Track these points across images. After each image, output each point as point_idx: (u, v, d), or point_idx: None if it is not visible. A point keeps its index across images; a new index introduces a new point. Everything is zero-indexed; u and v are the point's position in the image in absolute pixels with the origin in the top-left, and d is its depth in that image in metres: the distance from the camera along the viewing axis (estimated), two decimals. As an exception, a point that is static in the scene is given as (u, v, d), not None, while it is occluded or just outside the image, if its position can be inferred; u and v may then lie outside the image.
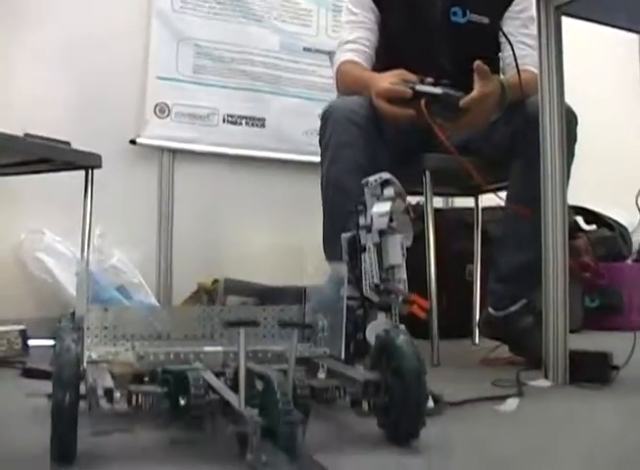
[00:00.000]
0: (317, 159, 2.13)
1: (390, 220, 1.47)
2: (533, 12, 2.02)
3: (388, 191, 1.50)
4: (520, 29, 2.24)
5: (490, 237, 2.74)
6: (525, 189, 2.01)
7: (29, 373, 1.82)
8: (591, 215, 3.59)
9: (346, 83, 2.25)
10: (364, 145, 2.01)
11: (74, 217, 2.50)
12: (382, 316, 1.44)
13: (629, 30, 1.97)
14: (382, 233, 1.47)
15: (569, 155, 2.00)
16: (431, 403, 1.30)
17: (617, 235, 3.48)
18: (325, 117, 2.07)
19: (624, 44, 3.97)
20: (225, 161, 3.14)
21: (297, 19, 3.30)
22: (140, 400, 1.07)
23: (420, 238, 2.44)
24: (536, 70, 1.96)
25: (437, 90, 1.97)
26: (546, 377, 1.80)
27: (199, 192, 3.06)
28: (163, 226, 2.99)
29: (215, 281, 2.67)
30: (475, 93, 1.95)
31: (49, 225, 2.69)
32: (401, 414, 1.12)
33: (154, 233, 2.97)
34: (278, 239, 2.90)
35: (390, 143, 2.06)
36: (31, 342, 2.23)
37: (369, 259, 1.47)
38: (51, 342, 1.12)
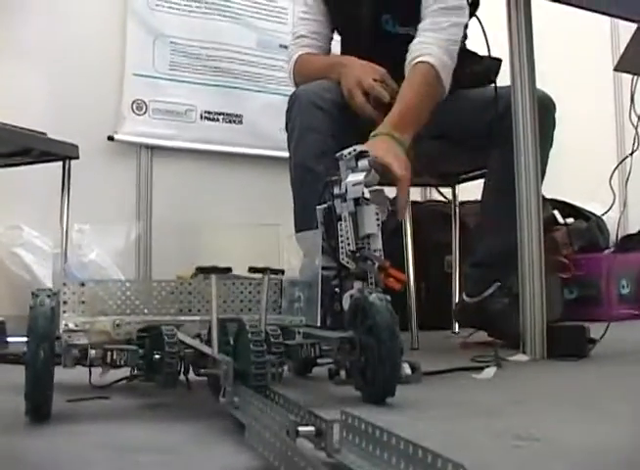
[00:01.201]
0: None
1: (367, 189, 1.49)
2: (446, 2, 2.02)
3: (363, 163, 1.52)
4: (427, 20, 2.05)
5: (469, 229, 2.77)
6: (503, 177, 2.02)
7: (4, 358, 1.82)
8: (568, 208, 3.61)
9: (309, 70, 2.21)
10: (330, 129, 1.99)
11: (52, 214, 2.50)
12: (358, 285, 1.44)
13: (595, 11, 1.98)
14: (357, 203, 1.48)
15: (547, 140, 2.02)
16: (408, 371, 1.31)
17: (593, 227, 3.51)
18: (291, 102, 2.07)
19: (598, 36, 4.02)
20: (203, 157, 3.15)
21: (274, 16, 3.32)
22: (115, 357, 1.07)
23: (398, 230, 2.47)
24: (430, 56, 1.93)
25: None
26: (524, 352, 1.81)
27: (177, 188, 3.06)
28: (142, 222, 2.99)
29: (194, 274, 2.66)
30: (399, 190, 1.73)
31: (27, 221, 2.69)
32: (376, 371, 1.13)
33: (132, 229, 2.97)
34: (255, 232, 2.90)
35: (358, 126, 2.02)
36: (10, 339, 2.21)
37: (345, 228, 1.48)
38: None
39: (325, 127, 1.99)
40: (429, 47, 1.96)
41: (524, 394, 1.34)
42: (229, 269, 1.11)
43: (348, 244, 1.47)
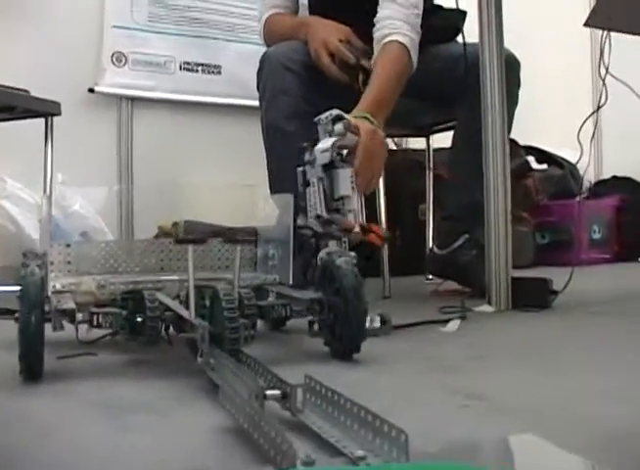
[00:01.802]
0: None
1: (339, 154, 1.57)
2: None
3: (338, 127, 1.59)
4: None
5: (442, 178, 2.84)
6: (470, 131, 2.08)
7: (-5, 312, 1.90)
8: (542, 155, 3.70)
9: (277, 32, 2.25)
10: (300, 90, 2.05)
11: (36, 166, 2.56)
12: (333, 244, 1.52)
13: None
14: (330, 166, 1.57)
15: (512, 99, 2.08)
16: (377, 324, 1.40)
17: (566, 173, 3.59)
18: (262, 63, 2.12)
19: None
20: (183, 107, 3.20)
21: (252, -34, 3.33)
22: (100, 320, 1.15)
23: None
24: (400, 35, 1.98)
25: None
26: (489, 303, 1.90)
27: (157, 138, 3.12)
28: (124, 172, 3.05)
29: (175, 224, 2.74)
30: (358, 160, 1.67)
31: (10, 174, 2.73)
32: (343, 329, 1.22)
33: (114, 179, 3.03)
34: (233, 191, 2.95)
35: (328, 86, 2.07)
36: (-2, 287, 2.28)
37: (313, 193, 1.56)
38: (15, 288, 1.16)
39: (295, 89, 2.05)
40: (396, 23, 2.00)
41: (484, 348, 1.42)
42: (204, 240, 1.18)
43: (316, 208, 1.55)
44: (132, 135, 3.09)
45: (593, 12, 2.36)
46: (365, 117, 1.76)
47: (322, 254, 1.38)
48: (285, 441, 0.65)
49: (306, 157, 1.60)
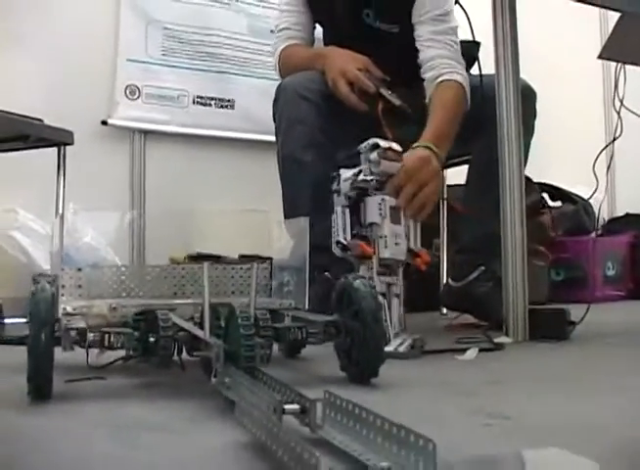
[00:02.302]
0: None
1: (372, 181, 1.65)
2: (441, 8, 2.08)
3: (373, 155, 1.64)
4: (428, 28, 2.11)
5: (457, 213, 2.81)
6: (486, 163, 2.06)
7: (4, 340, 1.88)
8: (556, 192, 3.68)
9: (293, 63, 2.25)
10: (316, 120, 2.04)
11: (47, 197, 2.55)
12: (363, 269, 1.62)
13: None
14: (365, 194, 1.66)
15: (528, 131, 2.06)
16: (402, 348, 1.48)
17: (580, 209, 3.57)
18: (277, 93, 2.11)
19: (587, 22, 4.06)
20: (195, 141, 3.20)
21: (264, 2, 3.35)
22: (112, 340, 1.13)
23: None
24: (455, 74, 2.01)
25: (397, 101, 2.00)
26: (507, 335, 1.86)
27: (170, 172, 3.11)
28: (136, 205, 3.04)
29: (187, 257, 2.72)
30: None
31: (22, 205, 2.73)
32: (361, 353, 1.19)
33: (126, 211, 3.02)
34: (246, 218, 2.95)
35: (345, 116, 2.07)
36: (7, 320, 2.26)
37: (335, 220, 1.64)
38: (24, 320, 1.15)
39: (311, 118, 2.03)
40: (450, 62, 2.04)
41: (503, 374, 1.40)
42: (220, 257, 1.16)
43: (338, 234, 1.63)
44: (145, 168, 3.09)
45: (607, 44, 2.36)
46: (427, 147, 1.80)
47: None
48: (306, 450, 0.62)
49: (334, 186, 1.67)
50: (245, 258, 1.28)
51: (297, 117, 2.04)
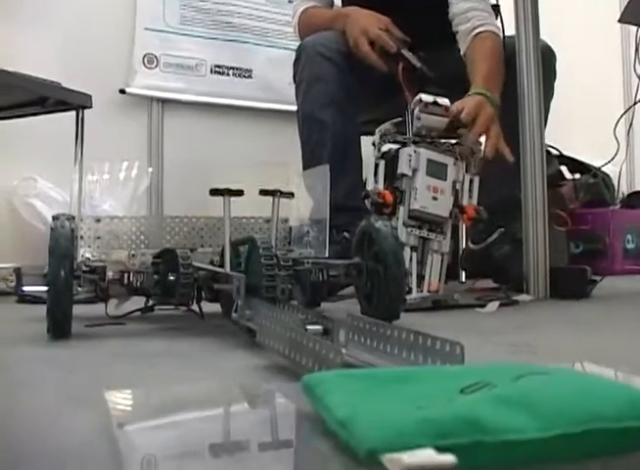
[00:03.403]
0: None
1: (404, 133, 1.67)
2: None
3: (416, 110, 1.67)
4: None
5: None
6: (505, 124, 2.04)
7: (25, 299, 1.89)
8: (575, 164, 3.64)
9: (314, 23, 2.23)
10: (336, 78, 2.02)
11: (66, 166, 2.54)
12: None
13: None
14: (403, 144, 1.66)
15: (548, 90, 2.05)
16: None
17: (600, 182, 3.53)
18: (298, 53, 2.10)
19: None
20: (213, 110, 3.17)
21: (283, -29, 3.32)
22: (131, 279, 1.12)
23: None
24: (491, 26, 2.00)
25: (417, 63, 1.97)
26: (527, 293, 1.85)
27: (187, 140, 3.09)
28: (154, 173, 3.03)
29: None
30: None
31: (41, 173, 2.72)
32: (381, 295, 1.17)
33: (144, 179, 3.01)
34: (266, 171, 2.91)
35: (364, 76, 2.05)
36: (26, 288, 2.26)
37: (368, 173, 1.65)
38: (43, 288, 1.12)
39: (332, 77, 2.02)
40: (484, 14, 2.02)
41: (526, 321, 1.39)
42: (241, 192, 1.15)
43: (368, 186, 1.63)
44: (162, 137, 3.07)
45: (626, 9, 2.33)
46: (479, 93, 1.81)
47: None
48: (327, 346, 0.61)
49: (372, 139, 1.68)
50: (265, 193, 1.26)
51: (317, 75, 2.03)
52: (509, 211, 2.02)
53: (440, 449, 0.38)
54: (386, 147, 1.68)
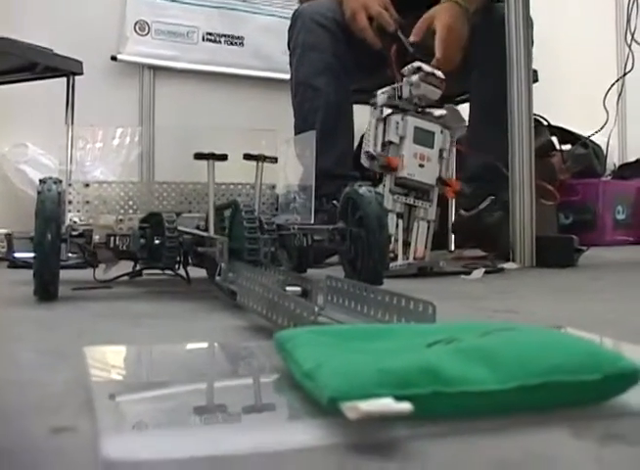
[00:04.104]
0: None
1: (398, 98, 1.65)
2: None
3: (414, 77, 1.64)
4: None
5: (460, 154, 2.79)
6: (488, 93, 2.06)
7: (15, 264, 1.90)
8: (566, 134, 3.64)
9: None
10: (330, 46, 2.04)
11: (57, 132, 2.53)
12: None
13: None
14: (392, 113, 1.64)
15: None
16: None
17: (590, 152, 3.53)
18: (294, 19, 2.11)
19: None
20: (205, 78, 3.17)
21: (276, -63, 3.31)
22: (117, 242, 1.13)
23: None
24: None
25: (410, 48, 1.95)
26: (514, 261, 1.86)
27: (178, 108, 3.09)
28: (145, 140, 3.02)
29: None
30: (438, 43, 1.90)
31: (32, 139, 2.72)
32: (365, 260, 1.18)
33: (135, 147, 3.00)
34: (254, 136, 2.89)
35: (358, 45, 2.06)
36: (17, 254, 2.27)
37: (368, 132, 1.63)
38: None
39: (326, 45, 2.04)
40: None
41: (510, 287, 1.41)
42: (225, 156, 1.16)
43: (368, 146, 1.61)
44: (154, 104, 3.08)
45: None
46: (454, 1, 1.88)
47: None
48: (301, 304, 0.62)
49: (372, 99, 1.66)
50: (249, 157, 1.27)
51: (312, 42, 2.04)
52: (498, 176, 2.03)
53: (400, 399, 0.39)
54: (388, 110, 1.68)
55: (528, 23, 1.92)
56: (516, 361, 0.45)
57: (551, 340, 0.50)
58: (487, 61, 1.94)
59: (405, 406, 0.38)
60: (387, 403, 0.39)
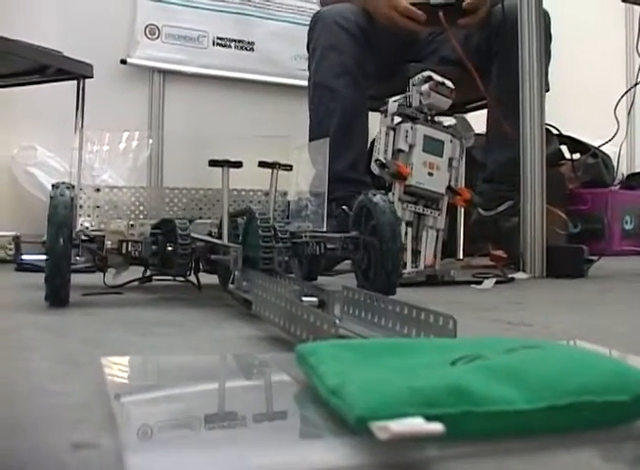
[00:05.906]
0: (305, 83, 2.20)
1: (423, 113, 1.64)
2: None
3: (424, 87, 1.63)
4: None
5: (475, 161, 2.79)
6: (506, 90, 2.05)
7: (23, 267, 1.90)
8: (575, 144, 3.63)
9: None
10: (351, 49, 2.05)
11: (66, 135, 2.53)
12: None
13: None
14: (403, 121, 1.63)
15: (546, 53, 2.06)
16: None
17: (599, 162, 3.53)
18: (314, 22, 2.12)
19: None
20: (214, 82, 3.17)
21: (288, -57, 3.30)
22: (130, 249, 1.12)
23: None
24: None
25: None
26: (524, 271, 1.86)
27: (188, 112, 3.09)
28: (154, 145, 3.02)
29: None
30: None
31: (41, 142, 2.72)
32: (378, 269, 1.18)
33: (144, 150, 3.00)
34: (265, 143, 2.89)
35: (377, 51, 2.08)
36: (25, 257, 2.26)
37: (379, 139, 1.61)
38: (42, 256, 1.13)
39: (347, 47, 2.04)
40: None
41: (522, 298, 1.40)
42: (240, 163, 1.15)
43: (378, 153, 1.60)
44: (163, 108, 3.07)
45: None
46: None
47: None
48: (321, 317, 0.61)
49: (382, 107, 1.65)
50: (264, 165, 1.27)
51: (332, 44, 2.05)
52: (514, 179, 2.02)
53: (429, 418, 0.39)
54: (398, 118, 1.67)
55: (542, 35, 1.92)
56: (544, 381, 0.44)
57: (577, 359, 0.50)
58: (507, 57, 1.95)
59: (437, 427, 0.37)
60: (418, 424, 0.38)
